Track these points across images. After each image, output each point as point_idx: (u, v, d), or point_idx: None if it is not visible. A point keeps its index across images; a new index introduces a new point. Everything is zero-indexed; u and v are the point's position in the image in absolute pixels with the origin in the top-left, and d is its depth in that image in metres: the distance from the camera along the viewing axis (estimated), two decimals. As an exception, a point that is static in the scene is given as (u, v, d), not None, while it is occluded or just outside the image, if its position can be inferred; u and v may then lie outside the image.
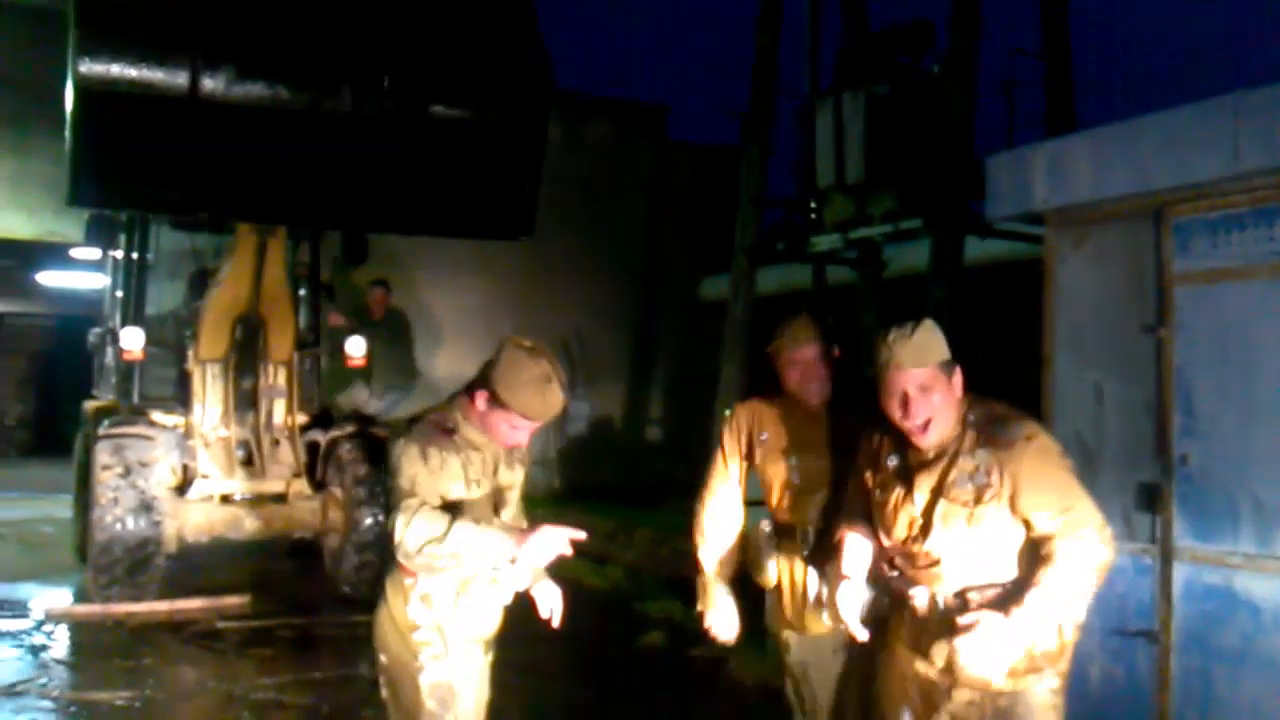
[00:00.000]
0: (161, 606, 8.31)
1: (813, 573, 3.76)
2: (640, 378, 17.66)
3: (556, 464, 16.66)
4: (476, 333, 14.29)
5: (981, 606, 3.07)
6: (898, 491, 3.26)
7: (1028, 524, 3.11)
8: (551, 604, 3.39)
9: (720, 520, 4.03)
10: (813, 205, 12.10)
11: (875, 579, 3.37)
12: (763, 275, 13.14)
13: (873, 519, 3.36)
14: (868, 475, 3.39)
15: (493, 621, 3.44)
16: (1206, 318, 4.74)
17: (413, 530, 3.07)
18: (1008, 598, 3.05)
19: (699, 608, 4.07)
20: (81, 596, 8.63)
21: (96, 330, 11.13)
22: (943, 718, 3.24)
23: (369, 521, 8.62)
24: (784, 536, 3.93)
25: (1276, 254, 4.51)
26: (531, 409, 3.28)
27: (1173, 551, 4.77)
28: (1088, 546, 3.03)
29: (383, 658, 3.42)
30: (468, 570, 3.26)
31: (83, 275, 14.61)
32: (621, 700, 6.58)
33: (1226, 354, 4.67)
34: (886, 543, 3.32)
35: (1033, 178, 5.39)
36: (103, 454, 8.38)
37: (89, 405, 10.18)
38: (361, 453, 8.90)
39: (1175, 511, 4.78)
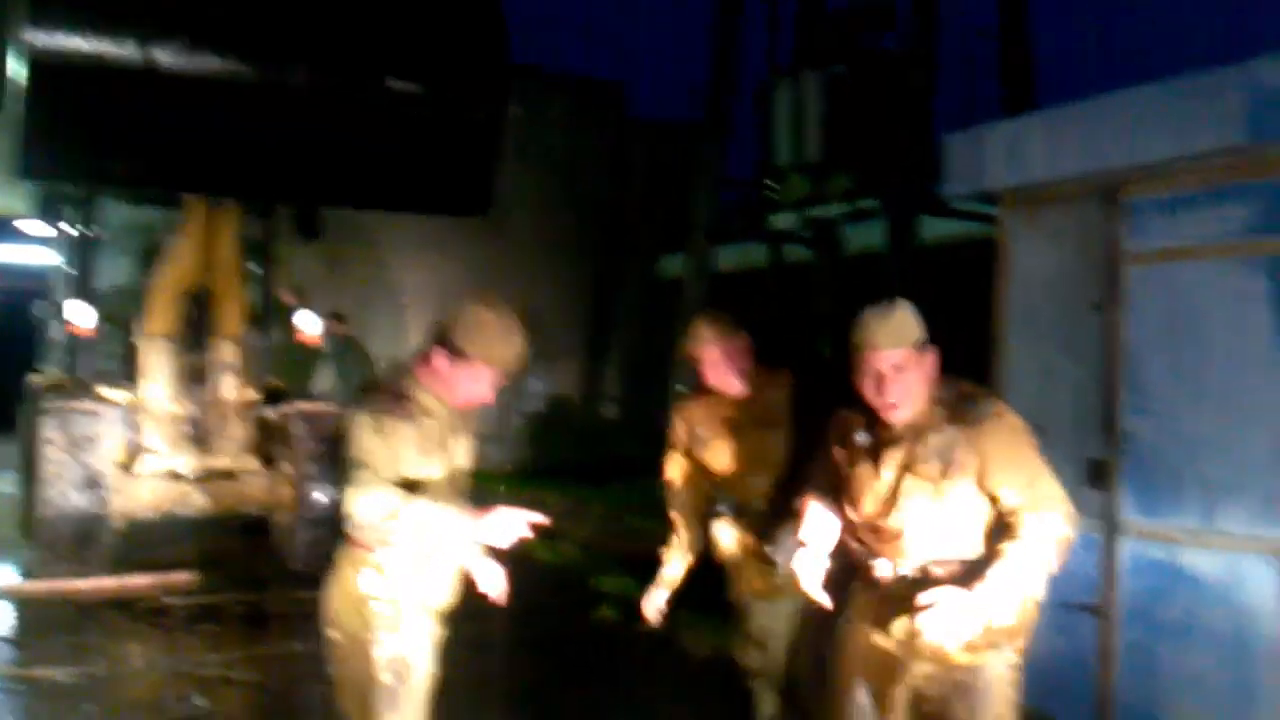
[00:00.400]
0: (108, 583, 8.20)
1: (764, 538, 4.00)
2: (598, 355, 17.66)
3: (513, 441, 16.63)
4: (437, 310, 14.20)
5: (943, 581, 3.09)
6: (866, 467, 3.28)
7: (993, 499, 3.14)
8: (493, 580, 3.32)
9: (684, 512, 4.33)
10: (770, 184, 12.12)
11: (839, 552, 3.40)
12: (721, 254, 13.17)
13: (838, 493, 3.38)
14: (836, 451, 3.41)
15: (448, 592, 3.40)
16: (1156, 297, 4.80)
17: (366, 504, 3.05)
18: (970, 572, 3.07)
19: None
20: (27, 572, 8.51)
21: (43, 304, 10.95)
22: (900, 690, 3.27)
23: (319, 498, 8.54)
24: (739, 513, 4.18)
25: (1227, 234, 4.56)
26: (495, 356, 3.25)
27: (1119, 526, 4.83)
28: (1051, 522, 3.06)
29: (333, 633, 3.35)
30: (422, 547, 3.23)
31: (30, 249, 14.36)
32: (573, 675, 6.58)
33: (1175, 333, 4.72)
34: (854, 517, 3.34)
35: (988, 157, 5.42)
36: (48, 429, 8.27)
37: (35, 380, 10.01)
38: (311, 429, 8.81)
39: (1122, 487, 4.84)
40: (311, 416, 9.01)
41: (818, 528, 3.34)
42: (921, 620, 3.02)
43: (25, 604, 7.87)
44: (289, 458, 8.95)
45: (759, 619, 4.21)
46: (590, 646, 7.29)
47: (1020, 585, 3.05)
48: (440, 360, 3.26)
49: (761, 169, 12.38)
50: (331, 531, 8.52)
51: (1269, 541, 4.34)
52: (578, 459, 16.65)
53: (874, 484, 3.26)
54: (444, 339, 3.25)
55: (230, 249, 8.80)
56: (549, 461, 16.16)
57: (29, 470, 9.01)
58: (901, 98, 10.26)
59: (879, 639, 3.30)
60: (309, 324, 9.95)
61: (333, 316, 11.94)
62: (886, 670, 3.29)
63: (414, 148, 7.46)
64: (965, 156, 5.59)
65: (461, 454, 3.43)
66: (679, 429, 4.30)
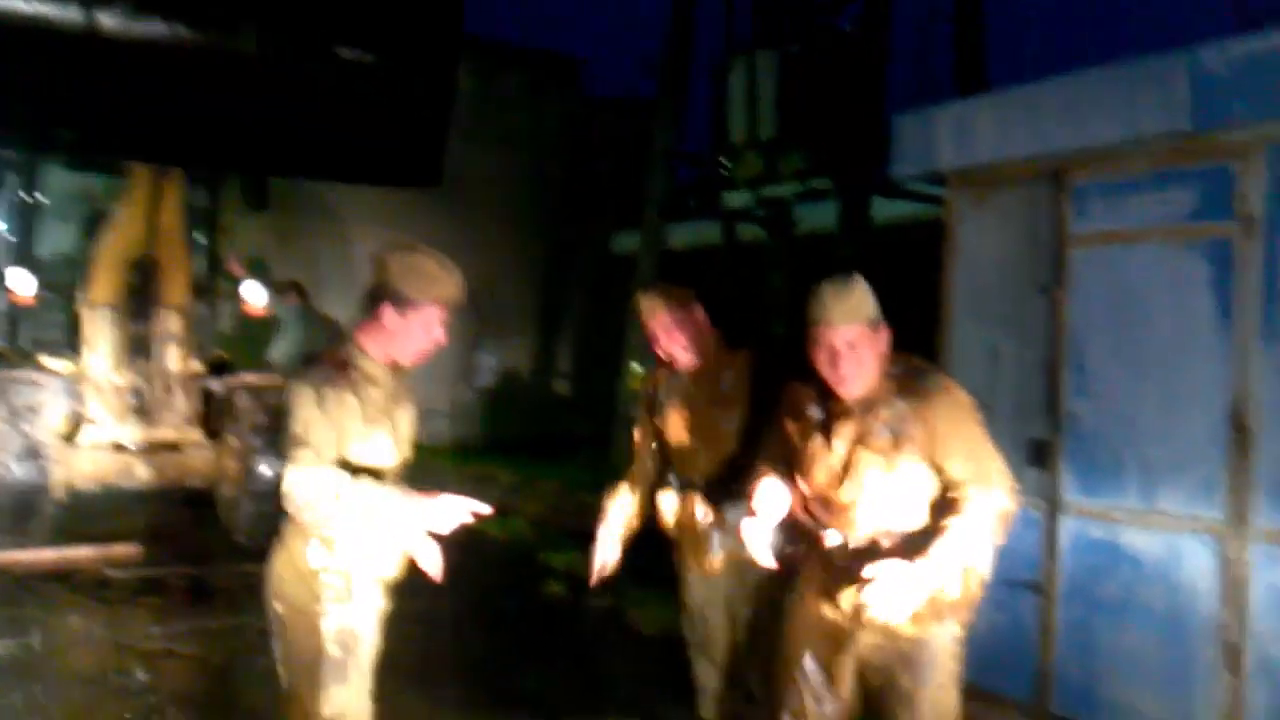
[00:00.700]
0: (49, 554, 8.07)
1: (706, 513, 4.05)
2: (550, 331, 17.63)
3: (464, 416, 16.58)
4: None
5: (889, 553, 3.13)
6: (818, 440, 3.32)
7: (939, 473, 3.19)
8: (432, 561, 3.24)
9: (635, 476, 4.34)
10: (725, 162, 12.13)
11: (789, 524, 3.44)
12: (675, 231, 13.16)
13: (790, 466, 3.42)
14: (789, 425, 3.44)
15: (396, 564, 3.35)
16: (1100, 279, 4.85)
17: (305, 484, 3.02)
18: (914, 544, 3.11)
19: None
20: (-35, 544, 8.35)
21: (-16, 272, 10.72)
22: (847, 660, 3.33)
23: (264, 471, 8.45)
24: (684, 486, 4.19)
25: (1170, 218, 4.62)
26: (442, 294, 3.24)
27: (1060, 506, 4.90)
28: (993, 497, 3.12)
29: (277, 606, 3.30)
30: (363, 527, 3.19)
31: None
32: (521, 649, 6.58)
33: (1118, 315, 4.79)
34: (805, 490, 3.38)
35: (937, 138, 5.45)
36: (-12, 399, 8.11)
37: (-26, 349, 9.83)
38: (258, 402, 8.72)
39: (1064, 467, 4.91)
40: (257, 389, 8.91)
41: (768, 498, 3.36)
42: (866, 594, 3.05)
43: (-37, 576, 7.75)
44: (234, 430, 8.85)
45: (696, 592, 4.24)
46: (539, 621, 7.30)
47: (962, 558, 3.10)
48: (389, 315, 3.21)
49: (716, 147, 12.37)
50: (276, 505, 8.47)
51: (1207, 521, 4.43)
52: (529, 434, 16.64)
53: (825, 457, 3.30)
54: (385, 293, 3.21)
55: (176, 218, 8.66)
56: (500, 437, 16.13)
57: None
58: (855, 78, 10.29)
59: (827, 610, 3.35)
60: (255, 296, 9.81)
61: (291, 287, 11.81)
62: (834, 641, 3.34)
63: (363, 118, 7.37)
64: (914, 137, 5.61)
65: (405, 423, 3.39)
66: (646, 392, 4.35)
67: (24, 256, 9.28)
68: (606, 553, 4.22)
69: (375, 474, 3.20)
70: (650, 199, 12.48)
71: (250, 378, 9.19)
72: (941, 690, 3.26)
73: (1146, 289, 4.69)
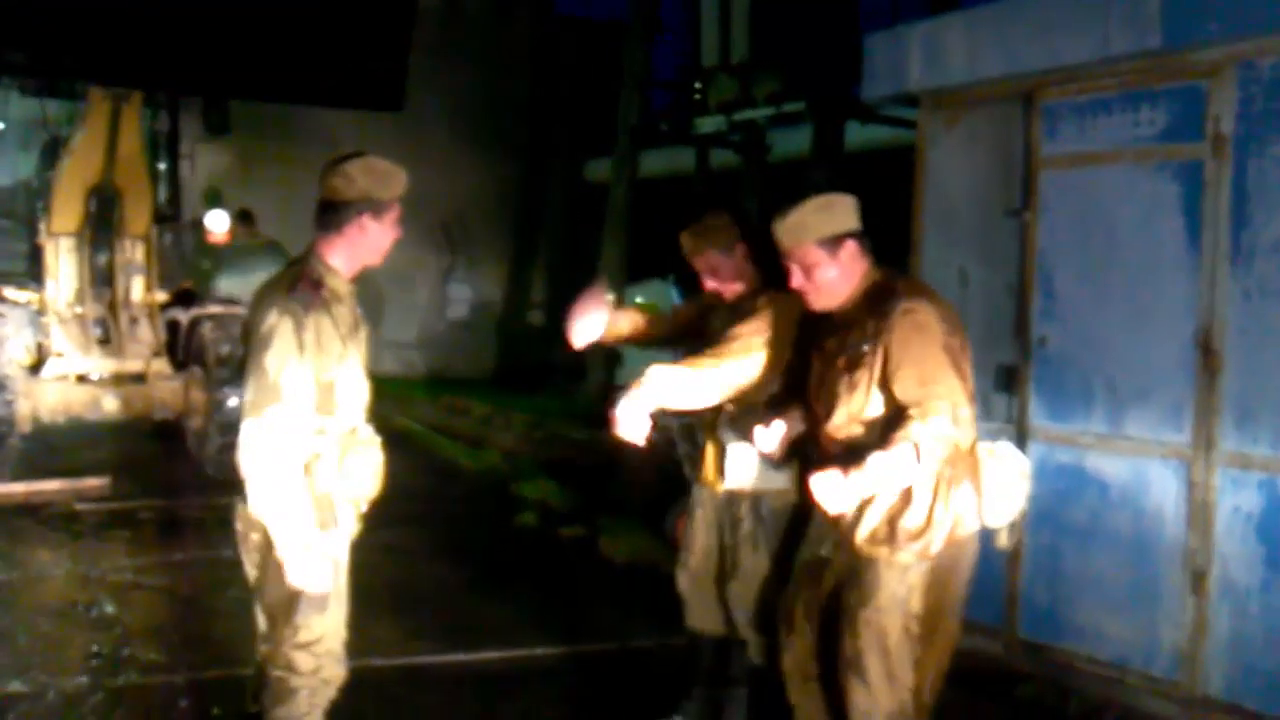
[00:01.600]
0: (17, 488, 8.02)
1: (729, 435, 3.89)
2: (522, 261, 17.50)
3: (435, 347, 16.50)
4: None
5: (835, 463, 3.16)
6: (811, 358, 3.46)
7: (889, 393, 3.19)
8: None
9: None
10: (697, 86, 11.97)
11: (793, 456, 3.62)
12: (647, 158, 13.03)
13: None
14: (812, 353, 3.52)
15: (375, 481, 3.33)
16: (1070, 202, 4.82)
17: (259, 446, 3.01)
18: (857, 458, 3.10)
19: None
20: (-68, 479, 8.28)
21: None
22: (828, 575, 3.40)
23: (232, 403, 8.33)
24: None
25: (1140, 139, 4.58)
26: (403, 184, 3.26)
27: (1028, 431, 4.90)
28: (932, 424, 3.06)
29: (254, 536, 3.23)
30: (339, 397, 3.20)
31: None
32: (492, 578, 6.60)
33: (1087, 238, 4.75)
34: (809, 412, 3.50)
35: (908, 58, 5.37)
36: (-51, 331, 8.00)
37: (-66, 281, 9.66)
38: (224, 331, 8.62)
39: (1031, 392, 4.91)
40: (224, 319, 8.81)
41: (766, 430, 3.55)
42: (812, 480, 3.10)
43: (-70, 510, 7.69)
44: (201, 361, 8.76)
45: (695, 499, 4.13)
46: (511, 551, 7.30)
47: (896, 479, 3.09)
48: (368, 223, 3.21)
49: (689, 71, 12.21)
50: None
51: (1173, 446, 4.45)
52: (502, 365, 16.58)
53: (815, 374, 3.43)
54: (362, 203, 3.20)
55: (136, 144, 8.49)
56: (473, 368, 16.07)
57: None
58: (829, -2, 10.16)
59: (813, 530, 3.50)
60: (218, 223, 9.66)
61: (240, 216, 11.58)
62: (819, 566, 3.45)
63: (322, 38, 7.22)
64: (886, 57, 5.53)
65: (363, 339, 3.36)
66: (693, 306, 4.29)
67: (-19, 185, 9.13)
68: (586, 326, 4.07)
69: (353, 399, 3.24)
70: (622, 125, 12.32)
71: (216, 307, 9.08)
72: (880, 613, 3.22)
73: (1116, 212, 4.65)
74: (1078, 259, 4.75)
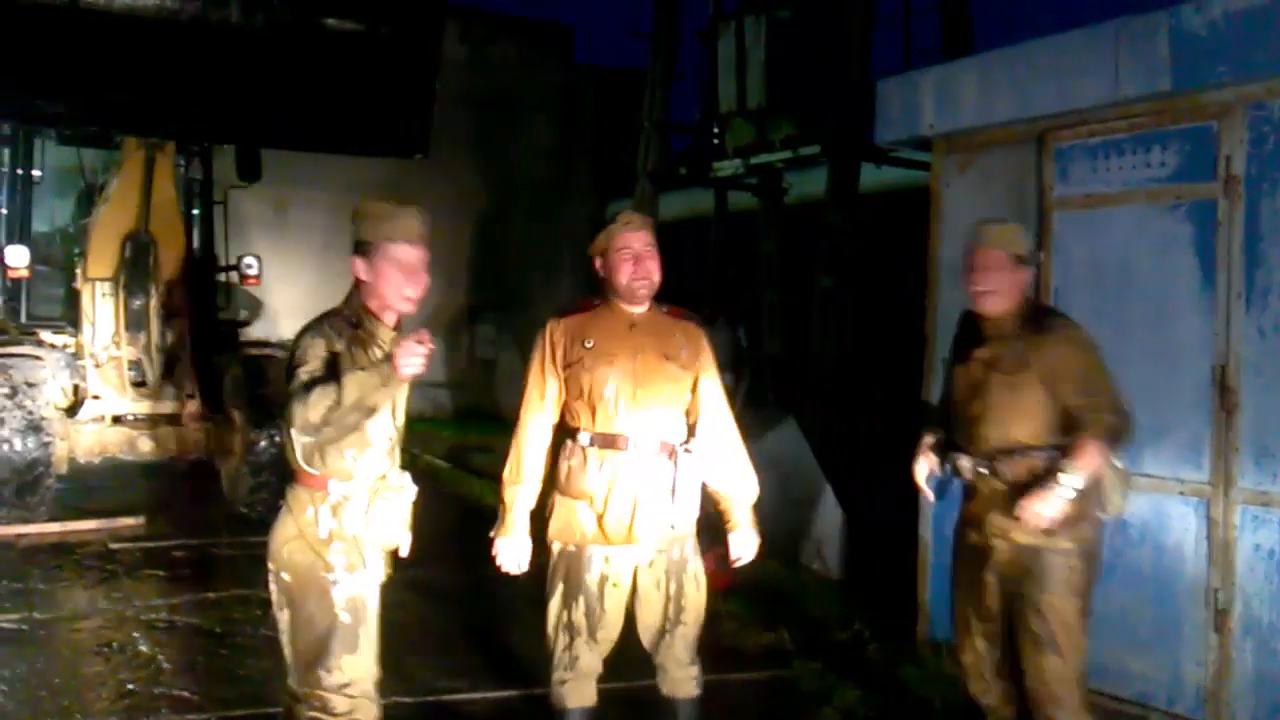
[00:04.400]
0: (52, 528, 8.17)
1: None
2: (545, 302, 17.59)
3: (463, 387, 16.62)
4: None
5: (1022, 475, 3.64)
6: (961, 369, 3.90)
7: (1057, 400, 3.64)
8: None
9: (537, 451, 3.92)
10: (715, 130, 12.10)
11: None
12: (666, 200, 13.14)
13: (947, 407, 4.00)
14: (955, 360, 3.97)
15: (404, 530, 3.36)
16: (1083, 242, 4.88)
17: (310, 404, 2.99)
18: (1040, 465, 3.62)
19: (492, 534, 3.93)
20: (-31, 520, 8.41)
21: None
22: (989, 575, 3.80)
23: (264, 443, 8.50)
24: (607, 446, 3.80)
25: (1153, 180, 4.65)
26: (396, 226, 3.22)
27: (1046, 468, 4.93)
28: (1107, 421, 3.57)
29: (285, 576, 3.27)
30: (371, 435, 3.22)
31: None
32: (518, 616, 6.61)
33: (1101, 278, 4.81)
34: (954, 418, 3.91)
35: (921, 102, 5.46)
36: (-10, 374, 8.16)
37: (-26, 325, 9.86)
38: (257, 373, 8.76)
39: (1049, 430, 4.94)
40: (257, 361, 8.96)
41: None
42: (1021, 504, 3.57)
43: (-32, 551, 7.82)
44: (234, 402, 8.90)
45: (601, 569, 3.85)
46: (538, 589, 7.30)
47: (1082, 477, 3.54)
48: (358, 265, 3.24)
49: (706, 114, 12.35)
50: (277, 476, 8.51)
51: (1192, 484, 4.48)
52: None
53: (966, 379, 3.84)
54: (354, 247, 3.25)
55: (169, 190, 8.70)
56: (493, 405, 16.17)
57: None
58: (843, 44, 10.26)
59: (972, 534, 3.86)
60: (254, 267, 9.82)
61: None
62: (978, 562, 3.84)
63: (350, 88, 7.40)
64: (899, 102, 5.63)
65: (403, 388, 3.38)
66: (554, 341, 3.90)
67: (20, 231, 9.31)
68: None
69: (382, 439, 3.28)
70: (642, 168, 12.47)
71: (250, 349, 9.23)
72: (1059, 598, 3.66)
73: (1129, 252, 4.72)
74: (1092, 299, 4.80)
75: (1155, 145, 4.65)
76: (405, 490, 3.38)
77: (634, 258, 3.76)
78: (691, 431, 3.88)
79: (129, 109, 7.31)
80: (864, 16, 10.20)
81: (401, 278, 3.25)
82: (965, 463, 3.85)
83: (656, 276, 3.81)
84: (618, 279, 3.78)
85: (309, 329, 3.21)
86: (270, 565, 3.31)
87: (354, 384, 3.00)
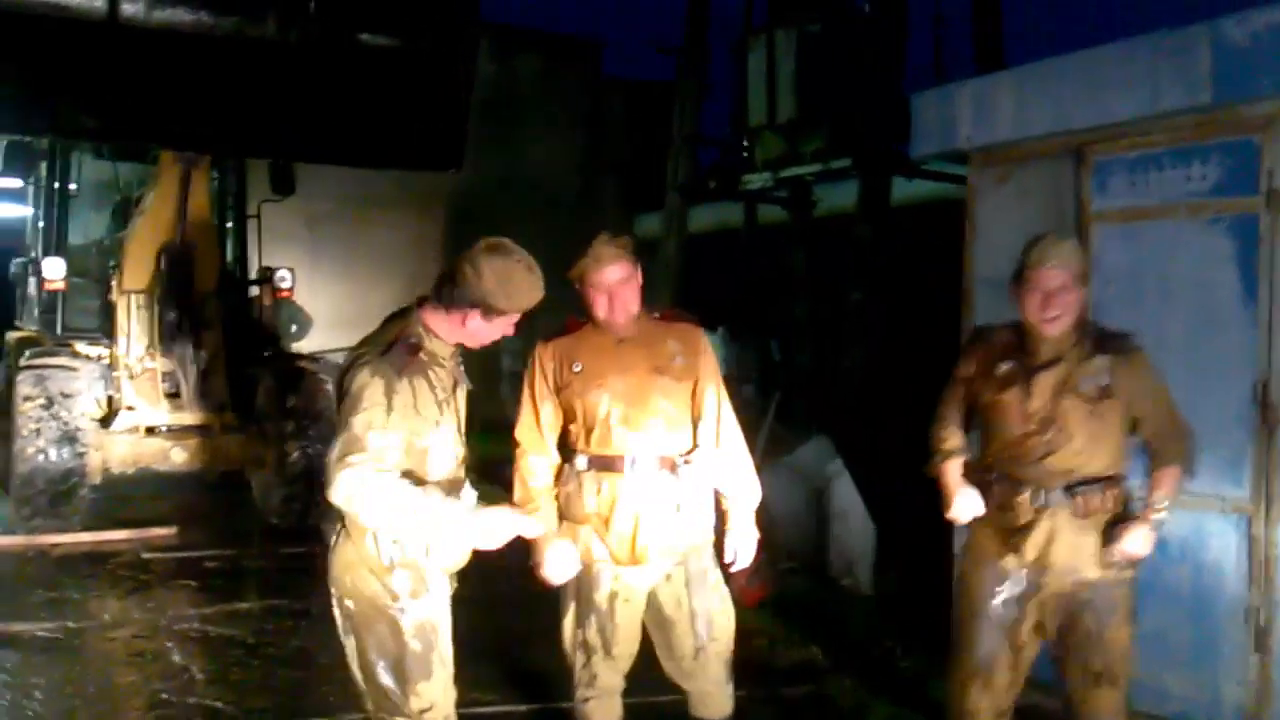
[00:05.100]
0: (86, 538, 8.23)
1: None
2: (575, 313, 17.63)
3: (491, 398, 16.60)
4: (408, 267, 14.17)
5: (1097, 508, 3.55)
6: (1014, 392, 3.64)
7: (1135, 425, 3.61)
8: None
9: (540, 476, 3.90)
10: (745, 144, 12.11)
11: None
12: (696, 213, 13.16)
13: (976, 420, 3.84)
14: (978, 382, 3.78)
15: (465, 552, 3.28)
16: (1122, 256, 4.84)
17: (359, 488, 2.88)
18: (1126, 495, 3.61)
19: (534, 560, 3.82)
20: (4, 528, 8.48)
21: (18, 260, 10.91)
22: (1029, 608, 3.68)
23: (296, 455, 8.56)
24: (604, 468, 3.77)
25: (1192, 194, 4.61)
26: (530, 300, 3.20)
27: (1083, 484, 4.88)
28: (1187, 446, 3.61)
29: (349, 603, 3.19)
30: (432, 467, 3.15)
31: (2, 205, 14.21)
32: (551, 628, 6.59)
33: (1141, 293, 4.77)
34: (995, 444, 3.72)
35: (957, 116, 5.44)
36: (25, 385, 8.25)
37: (11, 336, 10.01)
38: (290, 385, 8.81)
39: (1087, 445, 4.89)
40: (288, 372, 9.01)
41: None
42: (1124, 538, 3.51)
43: (3, 559, 7.87)
44: (267, 414, 8.95)
45: (610, 586, 3.86)
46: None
47: (1170, 511, 3.57)
48: (474, 319, 3.16)
49: (736, 128, 12.36)
50: (309, 488, 8.53)
51: (1233, 500, 4.43)
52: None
53: (1025, 406, 3.61)
54: (475, 300, 3.12)
55: (204, 203, 8.78)
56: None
57: (5, 426, 8.98)
58: (874, 57, 10.27)
59: (1011, 560, 3.68)
60: (287, 280, 9.88)
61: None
62: (1016, 588, 3.69)
63: (385, 102, 7.45)
64: (934, 115, 5.60)
65: (462, 399, 3.36)
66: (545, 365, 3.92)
67: (57, 244, 9.42)
68: None
69: (446, 463, 3.21)
70: (672, 182, 12.49)
71: (283, 362, 9.28)
72: (1121, 630, 3.61)
73: (1170, 266, 4.67)
74: (1131, 313, 4.72)
75: (1195, 159, 4.61)
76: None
77: (607, 294, 3.74)
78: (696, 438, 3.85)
79: (166, 124, 7.38)
80: (896, 28, 10.20)
81: (495, 335, 3.29)
82: (1024, 495, 3.62)
83: (634, 307, 3.78)
84: (595, 312, 3.80)
85: (364, 363, 3.05)
86: (333, 590, 3.24)
87: (434, 513, 2.95)
